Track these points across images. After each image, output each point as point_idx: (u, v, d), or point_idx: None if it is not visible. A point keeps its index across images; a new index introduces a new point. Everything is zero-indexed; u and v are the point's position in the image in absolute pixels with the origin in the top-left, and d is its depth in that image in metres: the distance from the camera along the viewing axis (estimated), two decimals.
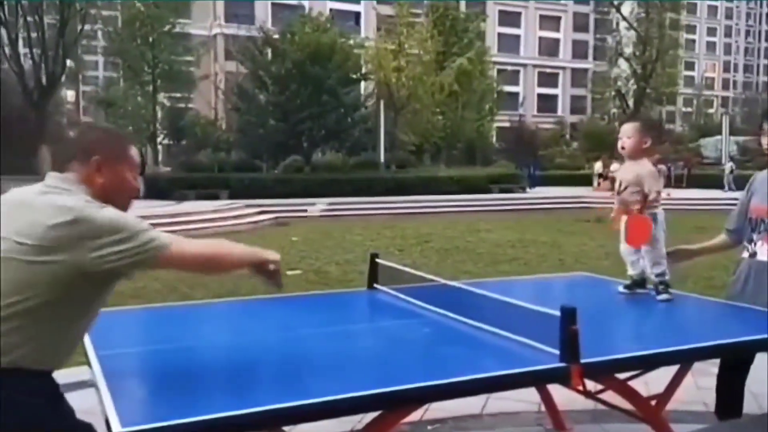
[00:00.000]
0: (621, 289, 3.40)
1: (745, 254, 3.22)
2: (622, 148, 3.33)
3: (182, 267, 2.07)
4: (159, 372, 2.17)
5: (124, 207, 1.98)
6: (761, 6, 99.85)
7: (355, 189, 25.32)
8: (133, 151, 2.09)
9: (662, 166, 34.06)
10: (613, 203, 3.44)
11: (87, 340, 2.33)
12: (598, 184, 30.81)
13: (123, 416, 1.65)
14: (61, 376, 2.04)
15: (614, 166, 31.36)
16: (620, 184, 3.32)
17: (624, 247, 3.42)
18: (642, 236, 3.23)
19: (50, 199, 1.85)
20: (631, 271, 3.40)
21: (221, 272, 2.20)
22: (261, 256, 2.16)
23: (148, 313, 3.23)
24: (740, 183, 26.19)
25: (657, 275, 3.26)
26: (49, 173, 1.96)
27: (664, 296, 3.23)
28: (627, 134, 3.31)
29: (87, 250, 1.78)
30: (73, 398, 2.09)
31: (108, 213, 1.85)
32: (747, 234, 3.22)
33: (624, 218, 3.37)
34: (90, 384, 2.08)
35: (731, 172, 30.49)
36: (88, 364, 2.16)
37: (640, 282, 3.35)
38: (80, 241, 1.77)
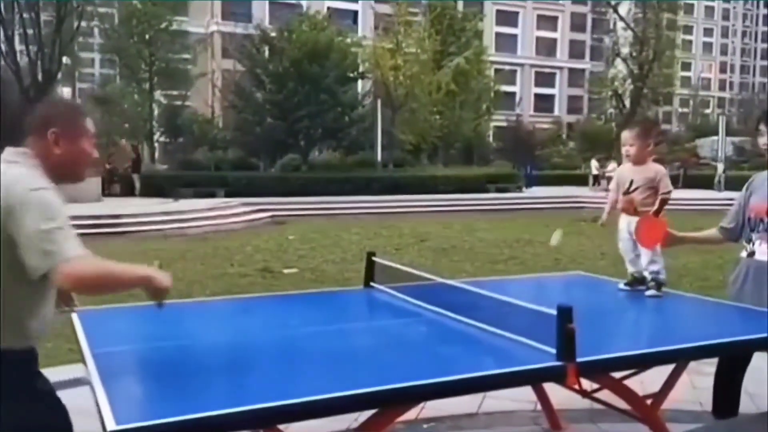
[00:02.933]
0: (621, 286, 3.43)
1: (744, 254, 3.23)
2: (628, 155, 3.38)
3: (76, 287, 2.00)
4: (154, 370, 2.17)
5: (81, 175, 2.05)
6: (758, 7, 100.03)
7: (352, 188, 25.29)
8: (89, 122, 2.12)
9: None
10: (604, 203, 3.46)
11: (82, 337, 2.32)
12: (597, 183, 30.86)
13: (117, 414, 1.64)
14: (55, 373, 2.03)
15: (611, 166, 31.43)
16: (630, 184, 3.34)
17: (624, 245, 3.44)
18: (656, 237, 3.26)
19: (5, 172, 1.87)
20: (631, 269, 3.42)
21: (110, 293, 2.14)
22: (149, 276, 2.10)
23: (143, 311, 3.21)
24: (731, 184, 26.27)
25: (652, 272, 3.28)
26: (6, 148, 1.98)
27: (652, 292, 3.27)
28: (629, 142, 3.36)
29: (14, 222, 1.79)
30: (67, 396, 2.09)
31: (42, 196, 1.85)
32: (746, 233, 3.23)
33: (626, 218, 3.39)
34: (84, 382, 2.08)
35: (723, 172, 30.57)
36: (83, 361, 2.15)
37: (640, 279, 3.38)
38: (12, 213, 1.80)
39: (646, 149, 3.35)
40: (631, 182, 3.35)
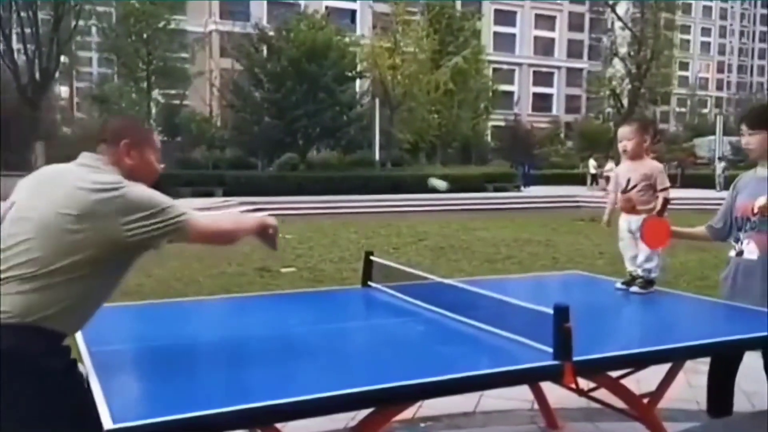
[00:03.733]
0: (618, 285, 3.42)
1: (733, 253, 3.25)
2: (624, 150, 3.37)
3: (204, 240, 2.24)
4: (151, 369, 2.17)
5: (149, 183, 2.22)
6: (755, 7, 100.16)
7: (350, 187, 25.31)
8: (156, 138, 2.37)
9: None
10: (604, 203, 3.46)
11: (79, 336, 2.32)
12: (596, 182, 30.89)
13: (114, 412, 1.65)
14: None
15: (609, 165, 31.47)
16: (627, 182, 3.34)
17: (623, 244, 3.45)
18: (661, 238, 3.26)
19: (88, 175, 2.05)
20: (630, 267, 3.42)
21: (232, 243, 2.37)
22: (264, 222, 2.41)
23: (141, 310, 3.22)
24: (731, 182, 26.28)
25: (644, 270, 3.30)
26: (83, 153, 2.18)
27: (636, 288, 3.28)
28: (626, 137, 3.36)
29: (120, 223, 1.96)
30: None
31: (141, 190, 2.06)
32: (734, 233, 3.25)
33: (626, 216, 3.39)
34: None
35: (723, 171, 30.62)
36: (80, 360, 2.15)
37: (637, 278, 3.37)
38: (116, 214, 1.96)
39: (642, 145, 3.35)
40: (629, 180, 3.35)
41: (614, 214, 3.57)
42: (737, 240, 3.22)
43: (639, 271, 3.33)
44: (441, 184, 3.67)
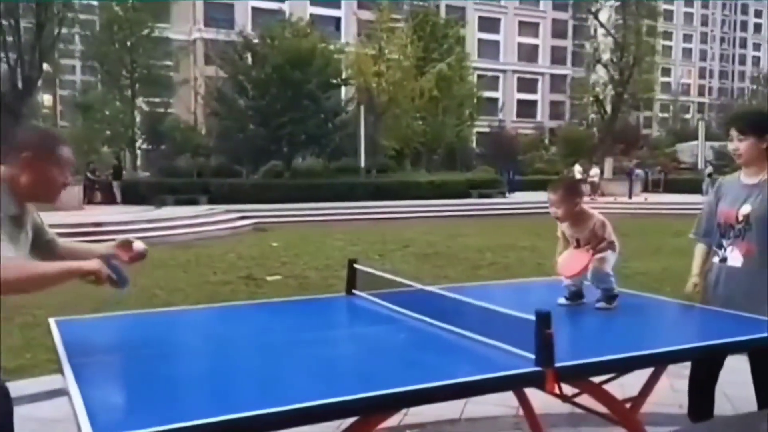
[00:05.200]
0: (562, 300, 3.25)
1: (716, 259, 3.26)
2: (557, 217, 3.22)
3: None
4: (134, 379, 2.16)
5: (49, 200, 2.20)
6: (736, 13, 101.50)
7: (335, 194, 25.29)
8: (64, 150, 2.24)
9: (639, 171, 34.58)
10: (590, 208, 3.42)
11: (60, 347, 2.31)
12: None
13: (95, 424, 1.64)
14: (35, 384, 2.02)
15: (593, 170, 31.69)
16: (577, 242, 3.21)
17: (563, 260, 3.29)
18: (579, 268, 3.12)
19: None
20: (567, 282, 3.27)
21: (42, 289, 2.23)
22: (81, 269, 2.19)
23: (124, 320, 3.20)
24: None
25: (604, 288, 3.18)
26: None
27: (601, 304, 3.15)
28: (555, 204, 3.18)
29: None
30: (47, 407, 2.08)
31: None
32: (716, 239, 3.26)
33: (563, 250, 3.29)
34: (64, 392, 2.06)
35: (710, 175, 30.93)
36: (61, 372, 2.14)
37: (579, 293, 3.27)
38: None
39: (574, 208, 3.17)
40: (578, 240, 3.22)
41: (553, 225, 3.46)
42: (720, 246, 3.24)
43: (599, 293, 3.21)
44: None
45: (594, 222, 3.19)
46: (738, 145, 3.14)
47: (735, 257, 3.15)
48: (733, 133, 3.15)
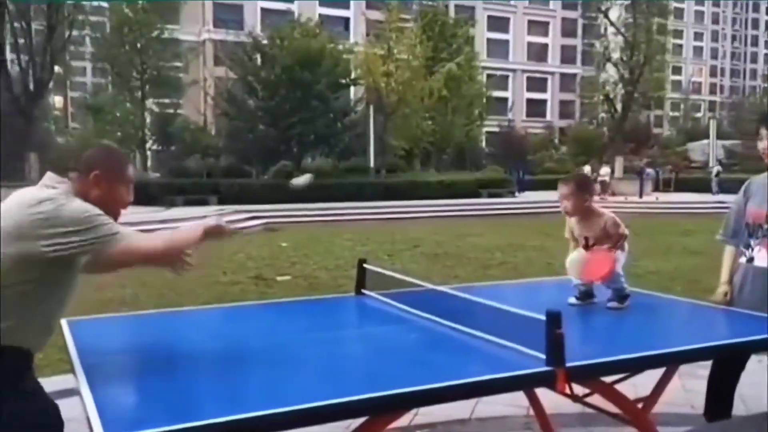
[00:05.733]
0: (572, 300, 3.25)
1: (743, 259, 3.21)
2: (566, 211, 3.21)
3: (135, 261, 2.26)
4: (144, 379, 2.16)
5: (114, 217, 2.20)
6: (747, 11, 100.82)
7: (345, 194, 25.30)
8: (130, 170, 2.36)
9: (650, 170, 34.40)
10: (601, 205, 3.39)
11: (72, 347, 2.32)
12: None
13: (107, 424, 1.64)
14: (46, 384, 2.03)
15: (603, 170, 31.56)
16: (586, 240, 3.20)
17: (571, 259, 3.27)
18: (605, 273, 3.09)
19: (32, 192, 2.08)
20: (577, 281, 3.27)
21: (174, 260, 2.46)
22: (202, 230, 2.38)
23: (134, 321, 3.22)
24: (726, 186, 26.43)
25: (615, 288, 3.17)
26: (48, 173, 2.19)
27: (613, 304, 3.14)
28: (565, 196, 3.17)
29: (39, 238, 1.96)
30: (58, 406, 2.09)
31: (72, 207, 2.04)
32: (744, 239, 3.22)
33: (576, 250, 3.26)
34: (75, 392, 2.07)
35: (717, 175, 30.74)
36: (73, 372, 2.14)
37: (590, 293, 3.26)
38: (37, 228, 1.97)
39: (583, 203, 3.17)
40: (587, 239, 3.20)
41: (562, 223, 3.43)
42: (747, 246, 3.20)
43: (608, 290, 3.20)
44: (302, 180, 3.34)
45: (605, 220, 3.17)
46: None
47: (762, 257, 3.10)
48: (764, 131, 3.07)
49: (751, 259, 3.16)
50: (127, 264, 2.28)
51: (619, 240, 3.16)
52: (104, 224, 2.05)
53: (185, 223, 2.50)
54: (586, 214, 3.21)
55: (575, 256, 3.23)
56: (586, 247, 3.21)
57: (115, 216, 2.21)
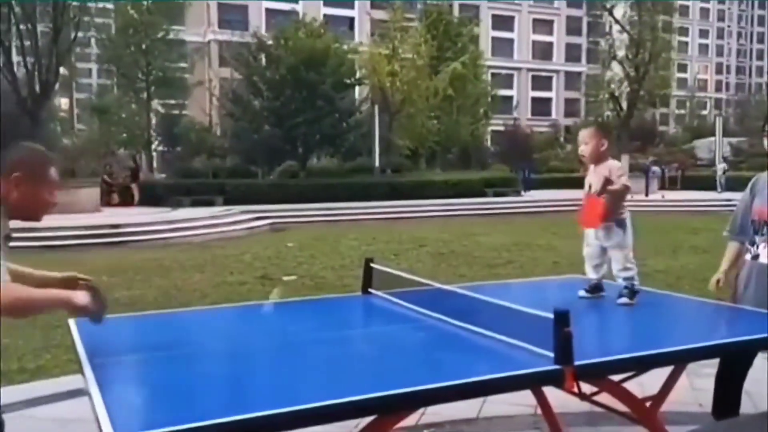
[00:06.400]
0: (582, 293, 3.30)
1: (748, 256, 3.21)
2: (582, 155, 3.30)
3: None
4: (153, 379, 2.17)
5: (35, 219, 2.19)
6: (753, 8, 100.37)
7: (350, 194, 25.30)
8: (52, 171, 2.25)
9: (656, 168, 34.29)
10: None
11: (80, 347, 2.32)
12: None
13: (116, 424, 1.65)
14: (55, 384, 2.03)
15: None
16: (589, 188, 3.28)
17: (588, 251, 3.37)
18: (595, 216, 3.17)
19: None
20: (592, 275, 3.34)
21: (28, 316, 2.23)
22: (66, 301, 2.15)
23: (142, 321, 3.22)
24: (732, 184, 26.33)
25: (626, 279, 3.21)
26: None
27: (624, 300, 3.16)
28: (584, 140, 3.27)
29: None
30: (66, 406, 2.09)
31: None
32: (749, 236, 3.21)
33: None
34: (84, 392, 2.08)
35: (723, 173, 30.60)
36: (82, 372, 2.15)
37: (600, 286, 3.30)
38: None
39: (599, 148, 3.25)
40: (590, 186, 3.28)
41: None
42: (753, 243, 3.19)
43: (620, 281, 3.24)
44: (274, 296, 3.66)
45: (610, 167, 3.22)
46: None
47: (767, 254, 3.10)
48: None
49: (756, 256, 3.15)
50: None
51: (619, 190, 3.17)
52: None
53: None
54: (600, 161, 3.27)
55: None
56: (586, 194, 3.26)
57: (37, 219, 2.16)
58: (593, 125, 3.37)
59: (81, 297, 2.18)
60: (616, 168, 3.23)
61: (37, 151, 2.41)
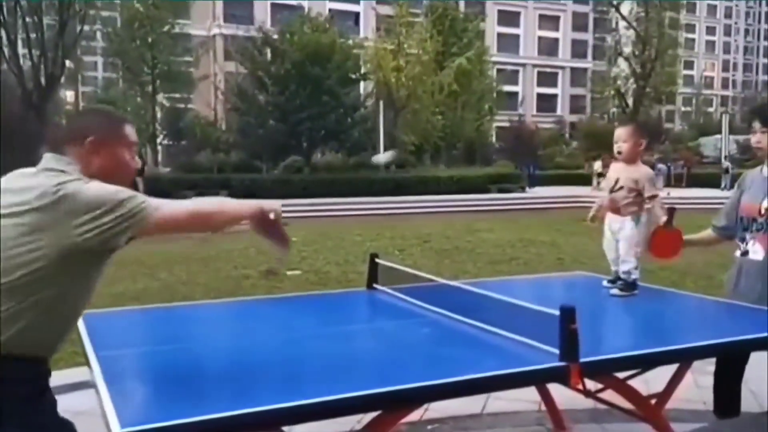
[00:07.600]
0: (605, 283, 3.40)
1: (738, 253, 3.22)
2: (619, 152, 3.33)
3: (173, 229, 2.05)
4: (158, 372, 2.17)
5: (125, 184, 1.95)
6: (760, 5, 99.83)
7: (354, 189, 25.32)
8: (128, 130, 2.07)
9: (662, 165, 34.20)
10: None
11: (86, 340, 2.33)
12: (598, 183, 30.78)
13: (122, 416, 1.65)
14: (60, 377, 2.04)
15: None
16: (615, 183, 3.31)
17: (606, 244, 3.43)
18: (669, 249, 3.27)
19: (41, 180, 1.85)
20: (613, 267, 3.41)
21: (215, 230, 2.20)
22: (257, 207, 2.12)
23: (147, 314, 3.23)
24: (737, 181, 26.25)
25: (623, 272, 3.27)
26: (46, 154, 1.94)
27: (614, 291, 3.25)
28: (622, 138, 3.31)
29: (71, 228, 1.77)
30: (72, 399, 2.10)
31: (92, 188, 1.82)
32: (739, 232, 3.22)
33: (610, 216, 3.38)
34: (90, 385, 2.08)
35: (727, 171, 30.51)
36: (88, 364, 2.16)
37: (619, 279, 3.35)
38: (64, 219, 1.77)
39: (638, 147, 3.30)
40: (617, 181, 3.31)
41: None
42: (742, 240, 3.20)
43: (620, 274, 3.31)
44: (383, 158, 3.55)
45: (643, 172, 3.28)
46: (761, 137, 3.07)
47: (757, 250, 3.10)
48: (756, 125, 3.10)
49: (745, 253, 3.15)
50: (168, 230, 2.03)
51: (652, 198, 3.23)
52: (128, 198, 1.82)
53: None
54: (634, 161, 3.31)
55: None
56: (612, 190, 3.30)
57: (127, 183, 1.97)
58: (631, 124, 3.40)
59: (274, 203, 2.13)
60: (649, 176, 3.30)
61: (107, 111, 2.28)
